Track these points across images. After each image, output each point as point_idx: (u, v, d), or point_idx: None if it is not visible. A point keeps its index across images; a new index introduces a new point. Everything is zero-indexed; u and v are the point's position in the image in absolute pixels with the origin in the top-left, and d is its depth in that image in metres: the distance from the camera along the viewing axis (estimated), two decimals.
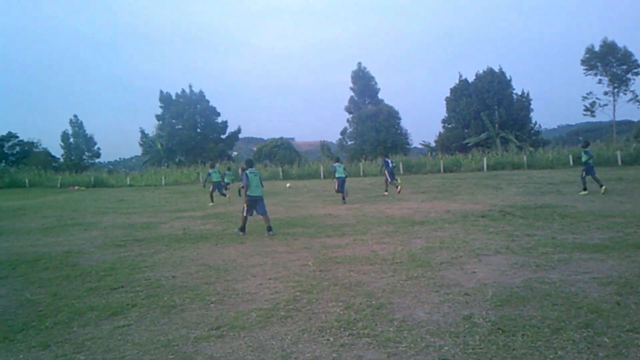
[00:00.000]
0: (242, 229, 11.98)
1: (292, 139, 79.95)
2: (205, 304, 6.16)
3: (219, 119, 68.08)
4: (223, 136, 68.23)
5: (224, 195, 22.17)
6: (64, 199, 28.82)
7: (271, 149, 60.58)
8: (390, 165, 21.42)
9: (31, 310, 6.28)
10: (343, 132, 66.35)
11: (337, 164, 19.44)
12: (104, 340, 5.05)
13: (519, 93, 60.70)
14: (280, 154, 57.26)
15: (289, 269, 7.90)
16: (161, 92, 67.08)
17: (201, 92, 67.34)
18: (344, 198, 18.57)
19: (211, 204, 20.73)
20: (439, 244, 9.09)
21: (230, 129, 68.92)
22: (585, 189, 16.95)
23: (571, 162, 34.37)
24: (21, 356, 4.76)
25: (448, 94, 62.98)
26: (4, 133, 69.24)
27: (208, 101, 67.35)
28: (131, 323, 5.58)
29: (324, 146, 67.45)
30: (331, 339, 4.73)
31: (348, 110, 66.24)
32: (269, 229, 11.66)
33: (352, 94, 66.33)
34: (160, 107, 67.09)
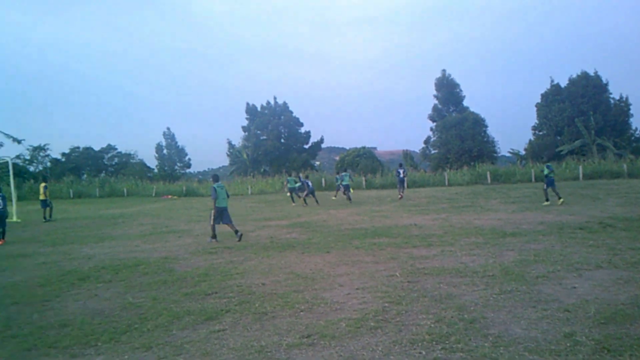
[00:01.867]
0: (214, 236, 13.41)
1: (374, 148, 79.83)
2: (295, 312, 6.28)
3: (302, 129, 69.30)
4: (306, 146, 69.31)
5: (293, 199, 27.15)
6: (159, 207, 30.41)
7: (353, 159, 60.76)
8: (401, 175, 25.67)
9: (133, 313, 6.68)
10: (426, 141, 65.30)
11: (344, 173, 20.86)
12: (202, 344, 5.28)
13: (617, 98, 57.06)
14: (363, 163, 57.25)
15: (376, 279, 7.88)
16: (247, 104, 69.37)
17: (285, 104, 68.92)
18: (349, 199, 23.30)
19: (293, 204, 26.24)
20: (534, 257, 8.72)
21: (313, 139, 69.95)
22: None
23: None
24: (126, 357, 5.07)
25: (539, 100, 60.33)
26: (104, 145, 74.44)
27: (291, 112, 68.79)
28: (226, 328, 5.80)
29: (407, 155, 66.73)
30: (423, 352, 4.67)
31: (432, 118, 65.10)
32: (236, 232, 13.28)
33: (436, 101, 65.14)
34: (246, 118, 69.33)
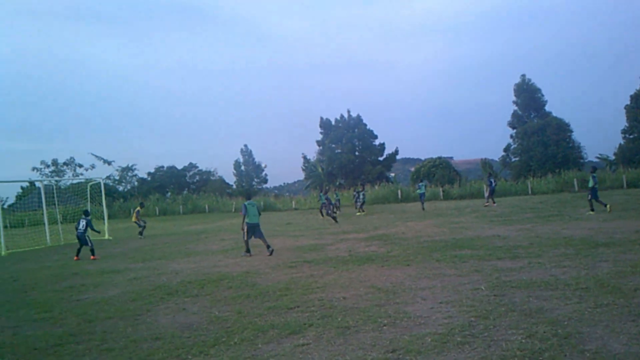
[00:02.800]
0: (247, 250, 14.21)
1: (451, 158, 78.32)
2: (378, 326, 6.21)
3: (377, 141, 69.00)
4: (381, 158, 68.93)
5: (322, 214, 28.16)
6: (238, 223, 31.19)
7: (429, 169, 59.71)
8: (493, 184, 27.02)
9: (220, 327, 6.86)
10: (506, 149, 63.07)
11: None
12: (287, 358, 5.33)
13: None
14: (439, 173, 56.12)
15: (460, 292, 7.65)
16: (321, 118, 70.09)
17: (359, 116, 69.01)
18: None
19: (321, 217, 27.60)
20: (631, 268, 8.16)
21: (388, 150, 69.41)
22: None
23: None
24: None
25: (628, 102, 56.77)
26: (186, 164, 77.60)
27: (365, 124, 68.73)
28: (310, 342, 5.82)
29: (485, 164, 64.68)
30: None
31: (511, 125, 62.84)
32: (268, 247, 13.94)
33: (516, 108, 62.86)
34: (321, 132, 70.02)
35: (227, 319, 7.21)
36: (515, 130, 61.27)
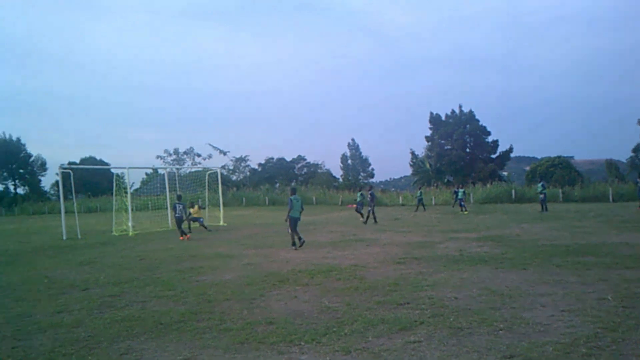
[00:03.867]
0: (294, 244, 15.05)
1: (571, 157, 73.15)
2: (493, 330, 5.98)
3: (489, 138, 66.32)
4: (493, 156, 66.18)
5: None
6: (345, 215, 31.54)
7: (547, 169, 56.37)
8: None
9: (330, 317, 6.97)
10: (636, 149, 57.94)
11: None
12: (399, 354, 5.29)
13: None
14: (558, 173, 52.78)
15: (584, 301, 7.15)
16: (431, 113, 68.62)
17: (471, 112, 66.68)
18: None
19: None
20: None
21: (501, 148, 66.42)
22: None
23: None
24: (328, 358, 5.29)
25: None
26: (295, 156, 79.62)
27: (478, 120, 66.26)
28: (421, 340, 5.74)
29: (611, 165, 60.00)
30: None
31: None
32: (294, 243, 15.01)
33: None
34: (430, 128, 68.57)
35: (337, 310, 7.31)
36: None
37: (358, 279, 9.67)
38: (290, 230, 15.23)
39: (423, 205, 34.50)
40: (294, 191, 16.15)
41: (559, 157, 59.05)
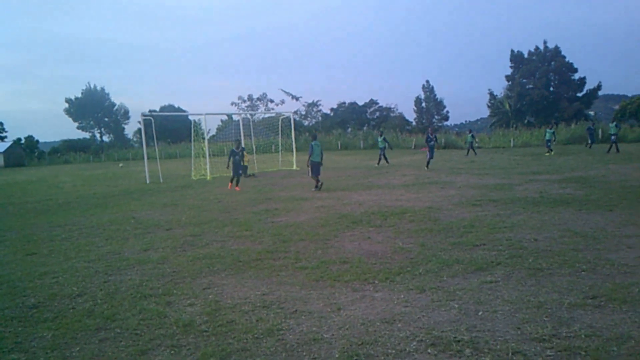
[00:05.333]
0: (317, 186, 15.63)
1: None
2: (575, 271, 5.76)
3: (576, 76, 62.32)
4: (580, 94, 62.32)
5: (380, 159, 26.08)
6: (419, 159, 31.04)
7: (638, 107, 52.54)
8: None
9: (404, 257, 6.96)
10: None
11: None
12: (474, 293, 5.23)
13: None
14: None
15: None
16: (512, 51, 65.25)
17: (557, 48, 62.68)
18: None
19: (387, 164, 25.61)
20: None
21: (589, 85, 62.39)
22: None
23: None
24: (402, 296, 5.31)
25: None
26: (367, 100, 78.65)
27: (564, 57, 62.27)
28: (498, 280, 5.63)
29: None
30: None
31: None
32: (317, 186, 15.59)
33: None
34: (511, 67, 65.37)
35: (411, 250, 7.29)
36: None
37: (432, 220, 9.57)
38: (310, 174, 15.99)
39: (474, 149, 32.90)
40: (314, 137, 17.05)
41: None
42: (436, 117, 79.11)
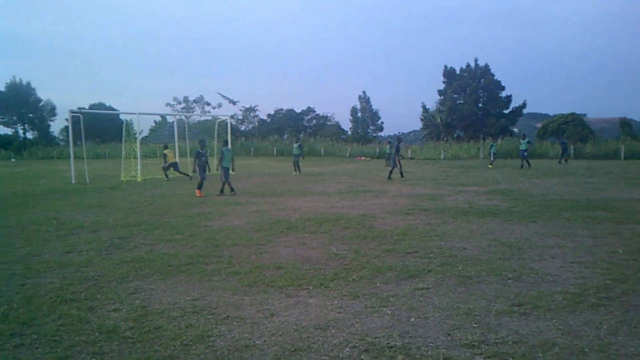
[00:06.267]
0: (231, 189, 16.10)
1: (584, 115, 71.82)
2: (502, 279, 5.96)
3: (503, 94, 65.25)
4: (506, 111, 65.27)
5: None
6: (354, 167, 31.49)
7: (559, 126, 55.67)
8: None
9: (338, 263, 6.97)
10: None
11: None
12: (406, 299, 5.29)
13: None
14: (570, 131, 52.15)
15: (594, 254, 7.11)
16: (445, 67, 67.34)
17: (486, 66, 65.35)
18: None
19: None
20: None
21: (514, 103, 65.42)
22: None
23: None
24: (336, 302, 5.30)
25: None
26: (305, 107, 78.98)
27: (493, 75, 65.00)
28: (429, 287, 5.73)
29: (624, 123, 58.96)
30: None
31: None
32: (232, 189, 16.08)
33: None
34: (443, 82, 67.49)
35: (345, 257, 7.31)
36: None
37: (366, 228, 9.66)
38: (223, 180, 16.22)
39: (492, 157, 30.36)
40: (226, 143, 18.16)
41: (572, 114, 58.22)
42: (371, 127, 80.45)
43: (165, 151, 23.40)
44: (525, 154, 28.19)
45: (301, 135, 60.35)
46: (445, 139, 57.14)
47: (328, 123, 77.86)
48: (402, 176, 21.18)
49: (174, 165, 23.10)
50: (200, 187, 16.07)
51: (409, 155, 44.95)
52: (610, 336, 4.17)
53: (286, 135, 68.75)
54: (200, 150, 16.70)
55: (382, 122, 79.34)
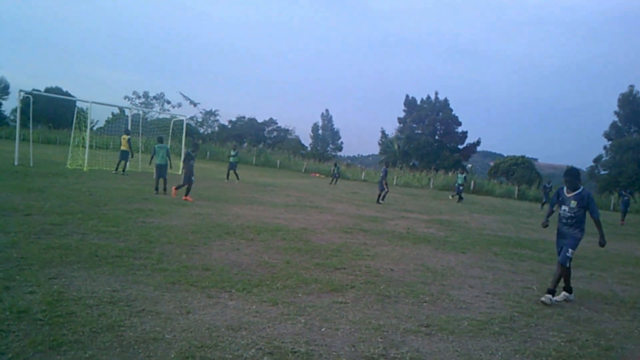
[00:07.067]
0: (156, 189, 15.97)
1: (536, 159, 74.79)
2: (418, 301, 6.22)
3: (459, 129, 67.26)
4: (461, 146, 67.24)
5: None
6: (306, 183, 31.71)
7: (509, 166, 57.73)
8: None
9: (267, 271, 7.10)
10: (597, 160, 59.55)
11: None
12: (323, 311, 5.46)
13: None
14: (519, 172, 54.15)
15: (510, 288, 7.49)
16: (407, 96, 69.01)
17: (446, 100, 67.35)
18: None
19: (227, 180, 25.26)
20: None
21: (469, 140, 67.57)
22: None
23: None
24: (254, 307, 5.42)
25: None
26: (267, 118, 78.97)
27: (451, 110, 67.01)
28: (348, 302, 5.93)
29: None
30: None
31: (608, 136, 58.99)
32: (165, 189, 16.05)
33: (616, 119, 58.81)
34: (404, 110, 69.07)
35: (275, 266, 7.44)
36: (610, 143, 57.75)
37: (303, 241, 9.83)
38: (154, 177, 16.42)
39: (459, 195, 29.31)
40: (161, 140, 17.80)
41: (523, 156, 60.45)
42: (331, 145, 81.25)
43: (124, 135, 22.62)
44: (461, 188, 29.06)
45: (245, 144, 60.27)
46: (400, 166, 58.25)
47: (289, 136, 78.08)
48: (378, 201, 21.49)
49: (123, 155, 22.11)
50: (184, 190, 15.24)
51: (363, 177, 45.60)
52: None
53: (246, 144, 68.55)
54: (190, 153, 15.94)
55: (342, 142, 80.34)
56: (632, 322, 6.08)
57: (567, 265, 6.96)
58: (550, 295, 6.66)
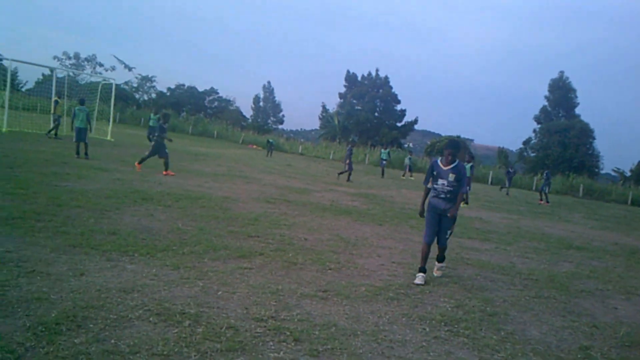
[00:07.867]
0: (77, 152, 15.59)
1: (472, 140, 77.26)
2: (323, 269, 6.38)
3: (399, 107, 68.29)
4: (399, 124, 68.37)
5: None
6: (241, 154, 31.47)
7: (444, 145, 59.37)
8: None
9: (177, 237, 7.06)
10: (526, 142, 62.17)
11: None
12: (224, 275, 5.51)
13: None
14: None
15: (417, 258, 7.74)
16: (348, 72, 69.26)
17: (386, 78, 68.03)
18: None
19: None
20: (589, 273, 8.21)
21: (408, 118, 68.76)
22: None
23: None
24: (154, 270, 5.39)
25: None
26: (207, 88, 77.23)
27: (391, 87, 67.81)
28: (253, 267, 6.00)
29: (502, 153, 64.07)
30: (427, 329, 4.63)
31: (537, 120, 61.65)
32: (86, 154, 15.52)
33: (546, 103, 61.42)
34: (345, 86, 69.34)
35: (187, 232, 7.41)
36: (539, 126, 60.38)
37: (223, 209, 9.80)
38: (74, 140, 16.08)
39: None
40: (82, 102, 17.50)
41: (459, 136, 62.15)
42: (272, 118, 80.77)
43: (55, 98, 22.14)
44: (384, 163, 29.51)
45: (183, 113, 58.68)
46: (339, 141, 58.71)
47: (230, 107, 76.79)
48: (345, 177, 21.57)
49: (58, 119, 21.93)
50: (167, 166, 14.48)
51: (300, 151, 45.70)
52: (387, 324, 4.65)
53: (184, 113, 66.96)
54: (163, 125, 15.39)
55: (283, 115, 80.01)
56: (522, 291, 6.48)
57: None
58: (422, 274, 6.40)
